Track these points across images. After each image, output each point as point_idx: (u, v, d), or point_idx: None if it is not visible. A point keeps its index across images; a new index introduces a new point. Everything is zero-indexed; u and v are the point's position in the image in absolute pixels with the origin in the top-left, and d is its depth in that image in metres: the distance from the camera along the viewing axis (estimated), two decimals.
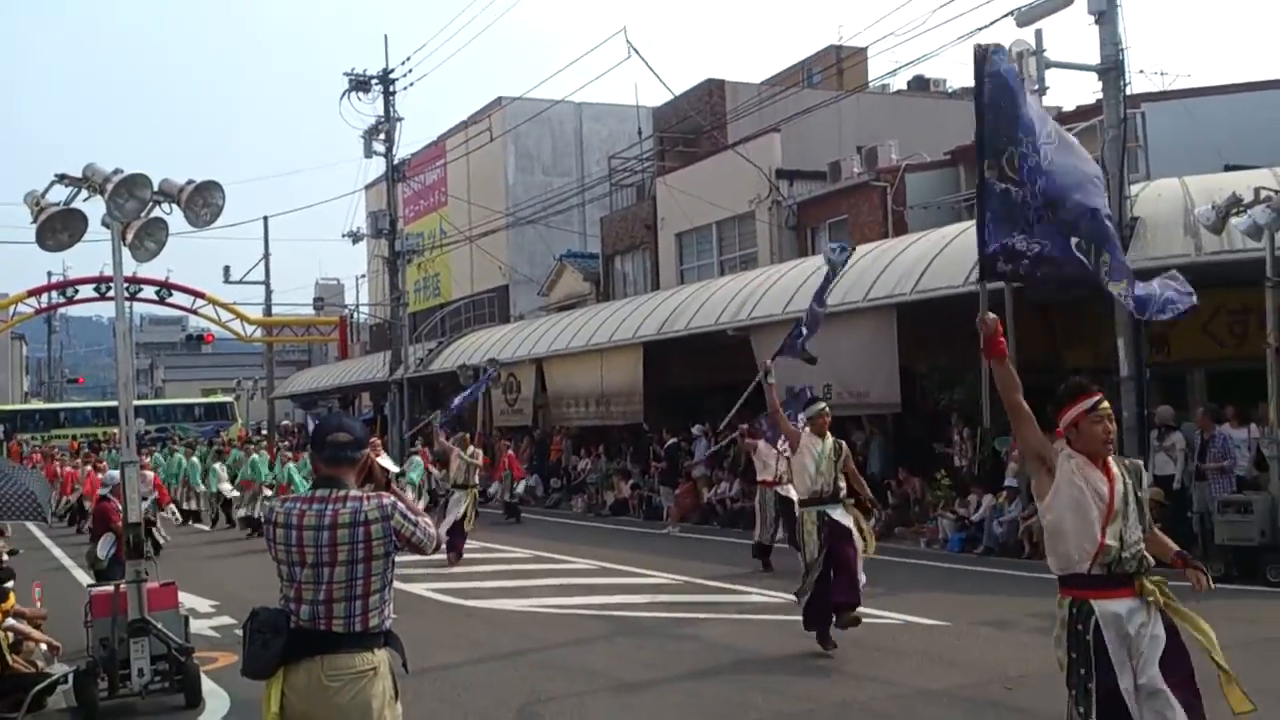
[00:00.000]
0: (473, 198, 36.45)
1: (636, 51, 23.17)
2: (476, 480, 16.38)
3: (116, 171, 8.02)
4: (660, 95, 36.34)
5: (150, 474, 19.47)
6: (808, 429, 9.32)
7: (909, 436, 17.96)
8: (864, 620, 10.11)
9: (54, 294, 37.37)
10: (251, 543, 19.00)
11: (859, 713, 7.21)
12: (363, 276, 46.21)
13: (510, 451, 23.22)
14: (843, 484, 9.15)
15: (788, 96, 25.54)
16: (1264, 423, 12.29)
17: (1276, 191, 11.37)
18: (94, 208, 8.13)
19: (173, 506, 21.09)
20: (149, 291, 36.61)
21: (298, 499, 4.11)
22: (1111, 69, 13.84)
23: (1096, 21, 13.80)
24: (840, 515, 9.02)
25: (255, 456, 21.81)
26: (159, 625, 7.89)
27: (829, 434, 9.28)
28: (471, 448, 16.20)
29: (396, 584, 4.16)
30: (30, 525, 23.75)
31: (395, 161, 32.34)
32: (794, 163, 24.79)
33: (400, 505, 4.11)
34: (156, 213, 8.29)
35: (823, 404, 9.58)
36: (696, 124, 27.59)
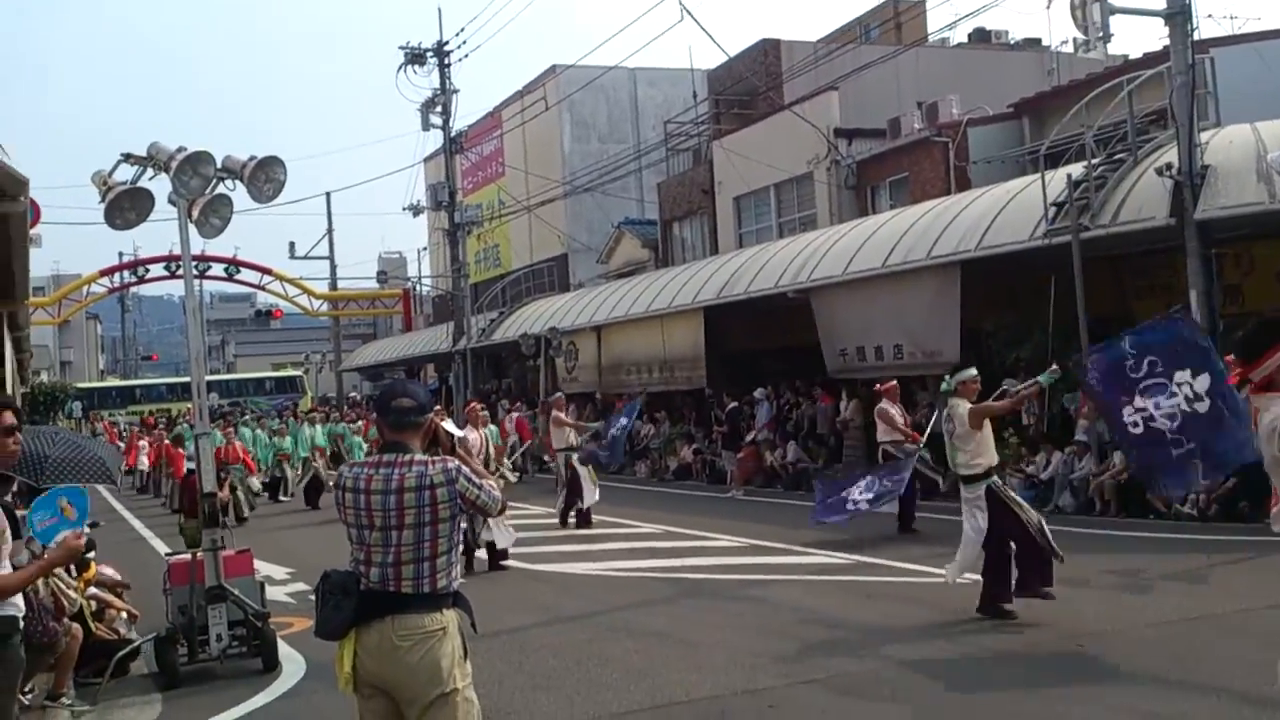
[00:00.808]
0: (530, 167, 36.53)
1: (690, 13, 22.91)
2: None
3: (180, 149, 8.15)
4: (715, 58, 35.97)
5: (238, 444, 19.98)
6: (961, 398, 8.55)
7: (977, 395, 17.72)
8: (930, 580, 10.08)
9: (125, 274, 38.27)
10: (323, 513, 19.37)
11: (926, 672, 7.17)
12: (424, 249, 46.61)
13: (518, 415, 23.03)
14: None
15: (844, 54, 25.15)
16: None
17: None
18: (159, 186, 8.30)
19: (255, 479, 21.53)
20: (217, 269, 37.38)
21: (365, 463, 4.18)
22: (1178, 13, 13.45)
23: None
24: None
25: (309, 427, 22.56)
26: (235, 592, 8.09)
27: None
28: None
29: None
30: (110, 498, 24.49)
31: (452, 134, 32.53)
32: (852, 121, 24.45)
33: (465, 469, 4.16)
34: (220, 189, 8.41)
35: (973, 370, 8.94)
36: (752, 85, 27.31)
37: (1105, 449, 14.27)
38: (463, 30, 53.23)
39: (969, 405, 8.36)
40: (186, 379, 41.79)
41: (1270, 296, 14.68)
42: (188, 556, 8.37)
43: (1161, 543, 11.43)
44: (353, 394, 45.20)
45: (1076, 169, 14.51)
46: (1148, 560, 10.47)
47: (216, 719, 7.14)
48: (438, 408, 4.87)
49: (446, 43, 31.78)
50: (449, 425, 4.68)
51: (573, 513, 15.06)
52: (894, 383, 14.16)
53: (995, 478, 8.38)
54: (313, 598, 4.26)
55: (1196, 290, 13.10)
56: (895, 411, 13.75)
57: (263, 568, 11.08)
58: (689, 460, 21.83)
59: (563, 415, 15.92)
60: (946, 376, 8.82)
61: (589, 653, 8.13)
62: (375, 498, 4.05)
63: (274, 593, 10.51)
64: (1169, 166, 13.14)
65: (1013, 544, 8.24)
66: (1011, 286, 16.27)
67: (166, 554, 10.70)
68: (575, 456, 15.13)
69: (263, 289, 40.64)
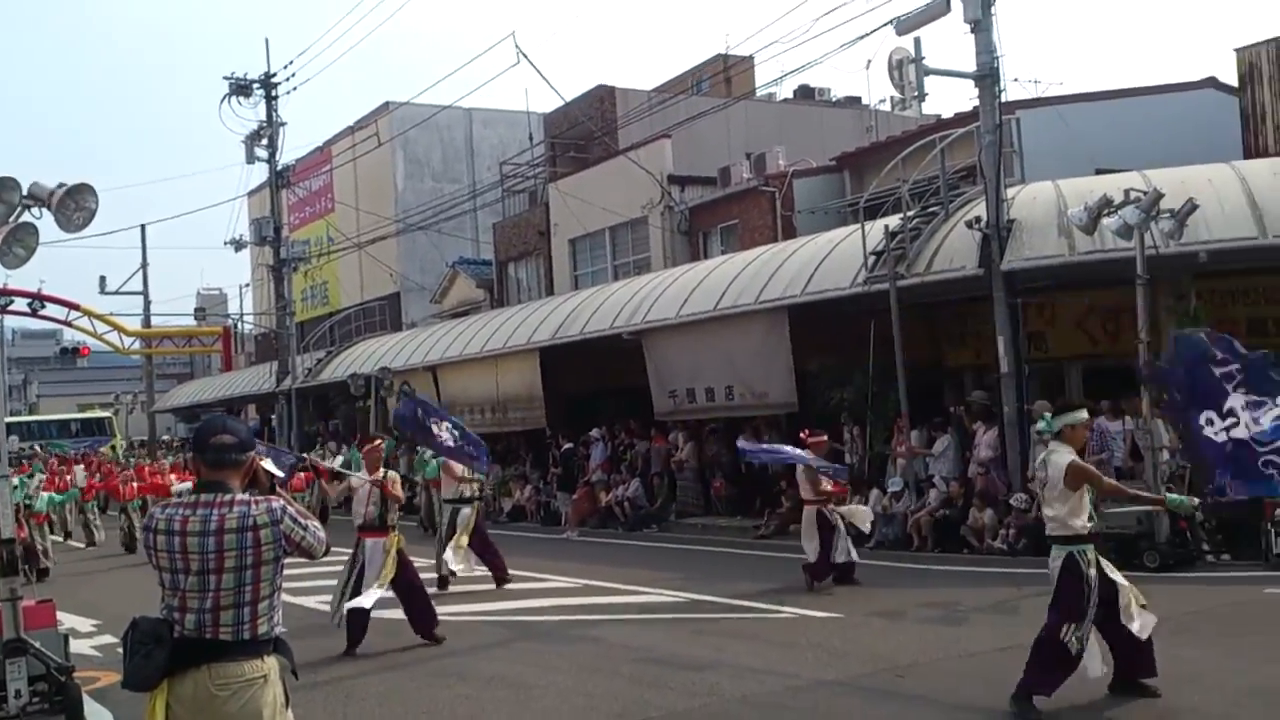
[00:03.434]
0: (361, 204, 35.85)
1: (526, 57, 23.18)
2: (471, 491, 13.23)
3: None
4: (551, 101, 36.28)
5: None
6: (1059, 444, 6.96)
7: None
8: (759, 615, 10.29)
9: None
10: (129, 558, 18.37)
11: (756, 705, 7.29)
12: (246, 286, 45.09)
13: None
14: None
15: (677, 103, 25.76)
16: (1137, 415, 12.83)
17: (1145, 193, 11.86)
18: None
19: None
20: (20, 303, 34.97)
21: (180, 504, 3.98)
22: (987, 76, 14.29)
23: (972, 30, 14.23)
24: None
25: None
26: (37, 644, 7.58)
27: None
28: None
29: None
30: None
31: (279, 167, 31.69)
32: (685, 168, 25.01)
33: (290, 509, 4.02)
34: (26, 217, 7.99)
35: (1083, 413, 7.19)
36: (588, 130, 27.62)
37: (921, 487, 14.91)
38: (291, 63, 51.79)
39: (1073, 458, 6.84)
40: None
41: (1072, 344, 15.68)
42: None
43: (975, 576, 11.97)
44: (166, 435, 43.15)
45: (893, 220, 15.21)
46: (962, 593, 10.94)
47: None
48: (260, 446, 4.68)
49: (274, 74, 31.03)
50: (269, 464, 4.53)
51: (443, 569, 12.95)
52: (824, 437, 12.51)
53: (1081, 547, 6.74)
54: (121, 650, 4.03)
55: (1004, 337, 13.85)
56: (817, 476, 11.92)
57: (66, 619, 10.43)
58: (523, 501, 21.68)
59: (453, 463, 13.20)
60: (1045, 415, 7.22)
61: (416, 700, 7.94)
62: (192, 539, 3.86)
63: (79, 645, 9.87)
64: (978, 220, 13.91)
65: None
66: (834, 331, 16.86)
67: None
68: (464, 510, 12.95)
69: (70, 325, 38.40)
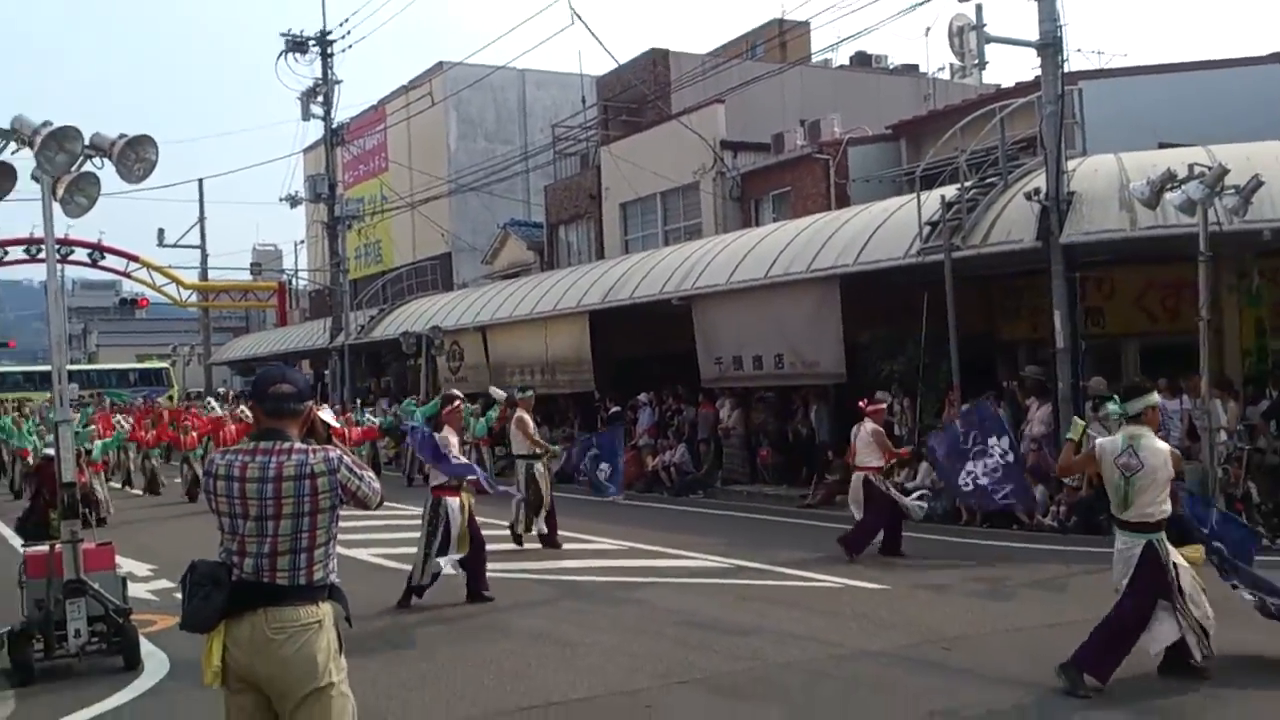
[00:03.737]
0: (414, 163, 36.01)
1: (580, 19, 23.10)
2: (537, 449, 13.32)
3: (46, 124, 7.83)
4: (604, 64, 36.16)
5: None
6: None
7: (851, 405, 18.17)
8: (803, 583, 10.30)
9: None
10: (188, 506, 18.74)
11: (799, 671, 7.32)
12: (301, 242, 45.45)
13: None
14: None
15: (731, 68, 25.55)
16: (1195, 395, 12.61)
17: (1209, 168, 11.58)
18: (23, 162, 7.95)
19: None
20: (81, 254, 35.90)
21: (239, 450, 4.05)
22: (1050, 45, 14.00)
23: None
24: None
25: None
26: (96, 586, 7.78)
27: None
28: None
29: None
30: None
31: (334, 125, 31.88)
32: (738, 134, 24.82)
33: (346, 459, 4.09)
34: (88, 167, 8.12)
35: (1155, 395, 7.06)
36: (641, 93, 27.48)
37: None
38: (347, 20, 52.10)
39: (1168, 445, 6.89)
40: (45, 367, 40.09)
41: (1130, 321, 15.42)
42: (45, 548, 8.01)
43: (1024, 552, 11.88)
44: (222, 388, 43.84)
45: (950, 191, 15.01)
46: (1010, 568, 10.87)
47: (73, 717, 6.84)
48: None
49: (330, 32, 31.14)
50: (326, 414, 4.60)
51: (533, 529, 13.04)
52: (882, 404, 12.59)
53: (1161, 534, 6.71)
54: (178, 595, 4.12)
55: (1060, 311, 13.65)
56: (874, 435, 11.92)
57: (125, 564, 10.67)
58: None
59: (528, 419, 13.44)
60: (1114, 398, 7.14)
61: (464, 653, 8.06)
62: (251, 486, 3.94)
63: (136, 589, 10.13)
64: (1037, 192, 13.68)
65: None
66: (887, 301, 16.72)
67: (22, 545, 10.21)
68: (538, 465, 13.08)
69: (129, 276, 39.18)
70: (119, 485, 22.66)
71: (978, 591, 9.87)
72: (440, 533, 9.72)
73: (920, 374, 15.60)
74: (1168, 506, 6.76)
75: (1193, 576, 6.76)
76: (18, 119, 7.89)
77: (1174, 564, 6.69)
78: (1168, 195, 11.85)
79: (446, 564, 9.66)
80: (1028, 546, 12.19)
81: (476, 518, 10.11)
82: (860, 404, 12.35)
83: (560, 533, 13.14)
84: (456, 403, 10.53)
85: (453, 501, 9.83)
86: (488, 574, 10.20)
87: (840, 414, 18.21)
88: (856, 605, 9.27)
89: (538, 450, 13.30)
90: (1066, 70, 14.74)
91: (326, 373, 32.55)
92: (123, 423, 22.71)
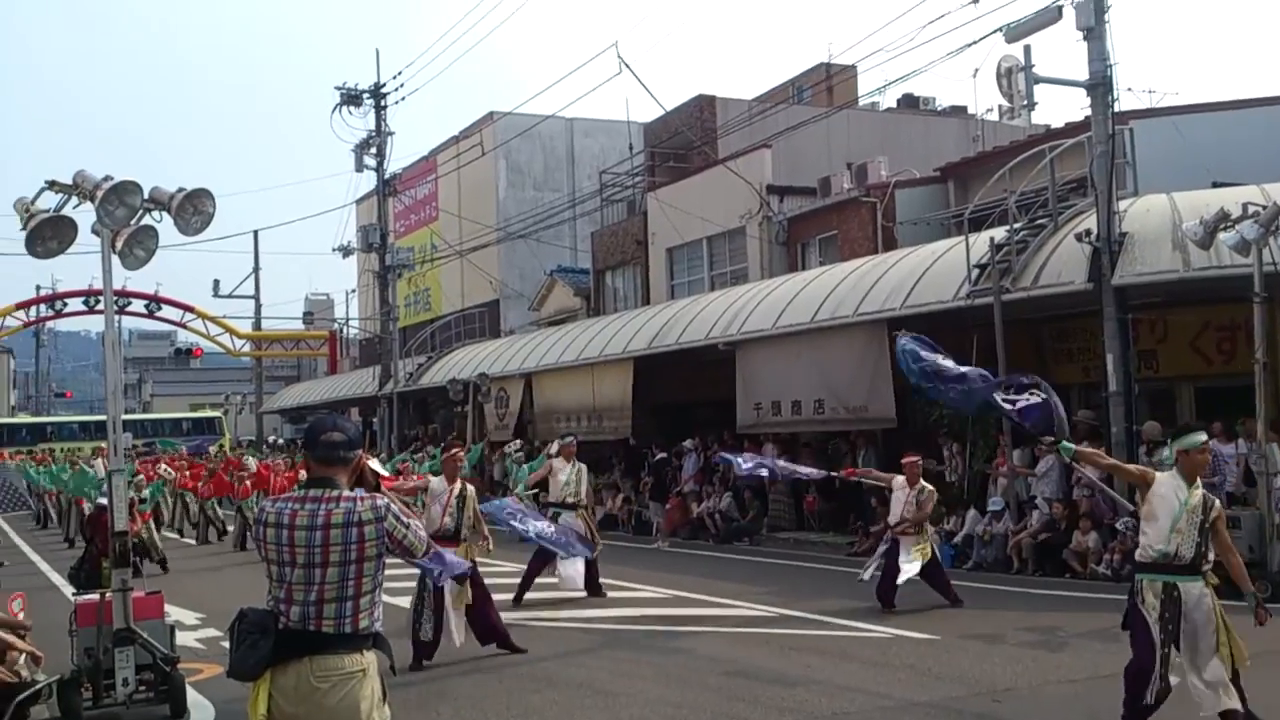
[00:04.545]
0: (464, 212, 36.48)
1: (628, 67, 23.28)
2: (584, 498, 13.36)
3: (106, 178, 8.00)
4: (651, 111, 36.53)
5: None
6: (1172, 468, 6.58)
7: (900, 452, 17.97)
8: (851, 634, 10.13)
9: (42, 307, 37.28)
10: (238, 555, 18.92)
11: None
12: (353, 291, 46.16)
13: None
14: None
15: (778, 113, 25.64)
16: (1251, 438, 12.34)
17: (1264, 207, 11.41)
18: (83, 216, 8.13)
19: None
20: (138, 305, 36.57)
21: (290, 498, 4.09)
22: (1100, 85, 13.91)
23: (1085, 38, 13.88)
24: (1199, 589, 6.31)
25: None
26: (144, 635, 7.84)
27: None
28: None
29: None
30: (18, 540, 23.66)
31: (386, 176, 32.42)
32: (784, 179, 24.87)
33: (394, 507, 4.11)
34: (147, 220, 8.29)
35: (1203, 435, 6.69)
36: (687, 139, 27.66)
37: (1023, 508, 14.54)
38: (400, 74, 53.25)
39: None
40: (100, 417, 40.66)
41: (1184, 363, 15.14)
42: (95, 597, 8.10)
43: (1077, 601, 11.63)
44: (273, 436, 44.36)
45: (999, 233, 14.89)
46: (1063, 618, 10.64)
47: None
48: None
49: (383, 85, 31.77)
50: (375, 464, 4.62)
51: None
52: (917, 459, 12.06)
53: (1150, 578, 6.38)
54: (224, 644, 4.14)
55: (1113, 355, 13.45)
56: (905, 495, 11.62)
57: (173, 612, 10.76)
58: (615, 510, 21.75)
59: (559, 468, 13.32)
60: (1169, 441, 6.86)
61: (508, 703, 8.00)
62: (300, 533, 3.97)
63: (184, 638, 10.21)
64: (1088, 233, 13.53)
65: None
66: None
67: (74, 594, 10.33)
68: (564, 516, 12.81)
69: (184, 326, 39.83)
70: (176, 535, 22.94)
71: (1029, 642, 9.66)
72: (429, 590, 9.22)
73: (970, 419, 15.41)
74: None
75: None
76: (79, 174, 8.08)
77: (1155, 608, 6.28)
78: (1221, 235, 11.69)
79: (458, 632, 9.35)
80: (1080, 595, 11.93)
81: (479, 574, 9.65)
82: (906, 459, 11.97)
83: (605, 580, 13.06)
84: (455, 450, 10.52)
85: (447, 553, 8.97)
86: (530, 622, 10.13)
87: (890, 460, 18.03)
88: (905, 656, 9.10)
89: (568, 500, 13.02)
90: (1117, 109, 14.61)
91: (375, 420, 32.82)
92: (166, 471, 23.05)
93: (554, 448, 14.81)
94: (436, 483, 9.99)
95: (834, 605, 11.58)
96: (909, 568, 11.15)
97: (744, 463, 13.33)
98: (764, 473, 13.22)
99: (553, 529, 11.63)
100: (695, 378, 21.45)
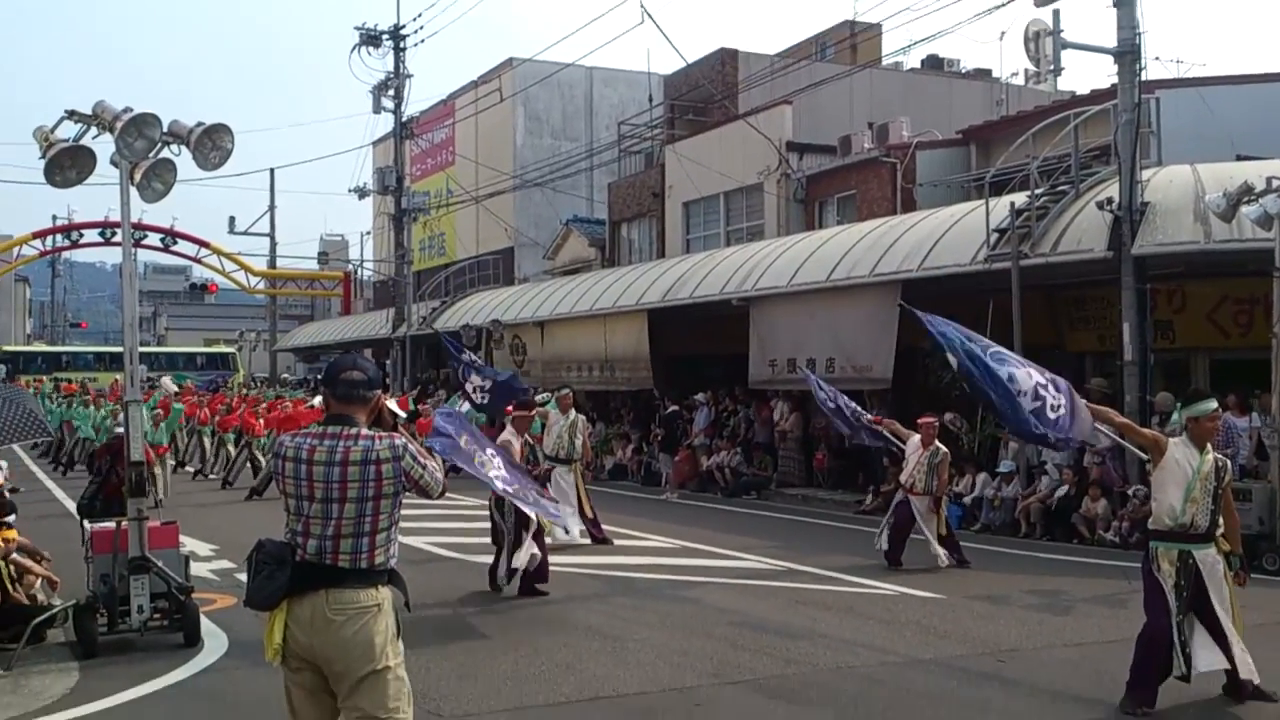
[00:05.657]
0: (480, 158, 36.33)
1: (650, 17, 23.16)
2: (578, 451, 13.27)
3: (126, 110, 8.01)
4: (672, 63, 36.20)
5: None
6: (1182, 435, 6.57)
7: (911, 414, 17.99)
8: (857, 590, 10.23)
9: (59, 237, 37.41)
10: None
11: (851, 678, 7.27)
12: (368, 233, 46.15)
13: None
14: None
15: (800, 69, 25.40)
16: (1265, 412, 12.32)
17: None
18: (102, 147, 8.14)
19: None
20: (154, 239, 36.67)
21: (309, 434, 4.14)
22: (1128, 53, 13.76)
23: (1114, 4, 13.73)
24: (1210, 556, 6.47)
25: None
26: (159, 563, 7.95)
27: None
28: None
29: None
30: (36, 470, 23.94)
31: (404, 119, 32.26)
32: (804, 136, 24.66)
33: (411, 447, 4.15)
34: (165, 154, 8.29)
35: (1213, 403, 6.69)
36: (708, 93, 27.42)
37: (1033, 473, 14.58)
38: (420, 15, 52.88)
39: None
40: (115, 348, 40.95)
41: (1200, 335, 15.08)
42: (112, 525, 8.20)
43: (1084, 566, 11.69)
44: (286, 374, 44.57)
45: (1019, 198, 14.79)
46: (1069, 582, 10.71)
47: (135, 691, 7.00)
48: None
49: (403, 26, 31.53)
50: (393, 404, 4.66)
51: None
52: (934, 420, 12.15)
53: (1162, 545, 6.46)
54: (239, 576, 4.22)
55: (1129, 324, 13.41)
56: (917, 456, 11.63)
57: (188, 543, 10.90)
58: (625, 460, 21.87)
59: (550, 420, 13.32)
60: (1178, 405, 6.87)
61: (517, 643, 8.12)
62: (318, 469, 4.02)
63: (198, 569, 10.33)
64: (1110, 201, 13.44)
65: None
66: (950, 309, 16.40)
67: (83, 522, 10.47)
68: (559, 469, 12.81)
69: (199, 262, 39.97)
70: (190, 469, 23.12)
71: (1035, 604, 9.73)
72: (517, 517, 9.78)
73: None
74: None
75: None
76: (99, 104, 8.08)
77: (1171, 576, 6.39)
78: (1244, 208, 11.62)
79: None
80: (1087, 561, 11.99)
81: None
82: (921, 420, 12.05)
83: (613, 529, 13.18)
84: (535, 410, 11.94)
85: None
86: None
87: (901, 421, 18.07)
88: (911, 613, 9.18)
89: (560, 454, 12.96)
90: (1144, 78, 14.44)
91: (388, 362, 32.94)
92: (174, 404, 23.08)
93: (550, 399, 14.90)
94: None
95: (841, 561, 11.67)
96: (930, 531, 11.35)
97: (820, 389, 13.24)
98: (831, 406, 13.00)
99: (507, 475, 10.57)
100: (708, 332, 21.45)
